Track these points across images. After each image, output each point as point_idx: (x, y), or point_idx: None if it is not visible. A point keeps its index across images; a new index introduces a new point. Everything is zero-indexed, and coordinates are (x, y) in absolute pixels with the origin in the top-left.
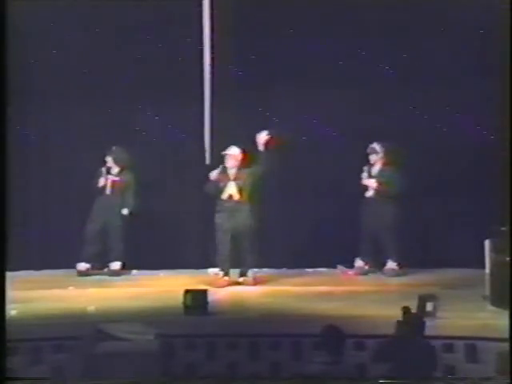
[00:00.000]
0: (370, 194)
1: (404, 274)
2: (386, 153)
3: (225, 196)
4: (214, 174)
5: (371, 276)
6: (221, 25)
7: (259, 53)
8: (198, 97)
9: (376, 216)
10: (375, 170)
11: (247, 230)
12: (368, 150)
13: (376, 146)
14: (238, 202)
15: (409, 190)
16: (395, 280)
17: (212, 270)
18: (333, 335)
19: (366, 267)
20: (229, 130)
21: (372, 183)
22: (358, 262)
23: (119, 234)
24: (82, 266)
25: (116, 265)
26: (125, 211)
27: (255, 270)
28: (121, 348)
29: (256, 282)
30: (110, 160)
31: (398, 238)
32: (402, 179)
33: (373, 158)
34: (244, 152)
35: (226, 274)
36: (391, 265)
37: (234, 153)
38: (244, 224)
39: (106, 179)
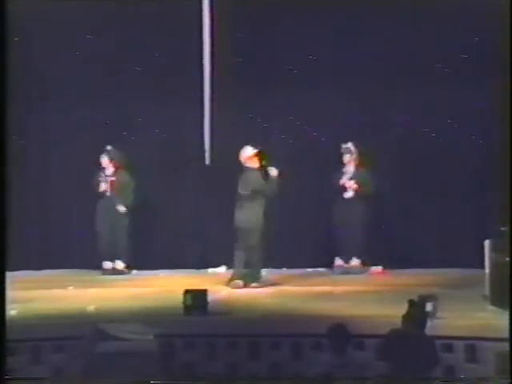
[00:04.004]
0: (348, 194)
1: (366, 271)
2: (360, 153)
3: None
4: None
5: (371, 276)
6: (221, 24)
7: (259, 53)
8: (198, 96)
9: (351, 215)
10: (350, 170)
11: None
12: (342, 150)
13: (350, 145)
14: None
15: (409, 190)
16: (396, 280)
17: (212, 270)
18: (339, 334)
19: (346, 265)
20: (229, 130)
21: (350, 184)
22: (338, 261)
23: (125, 233)
24: (108, 265)
25: (120, 264)
26: (121, 208)
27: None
28: (121, 348)
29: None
30: (105, 160)
31: (374, 236)
32: (374, 179)
33: (346, 158)
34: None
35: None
36: (355, 262)
37: (252, 153)
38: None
39: (105, 181)
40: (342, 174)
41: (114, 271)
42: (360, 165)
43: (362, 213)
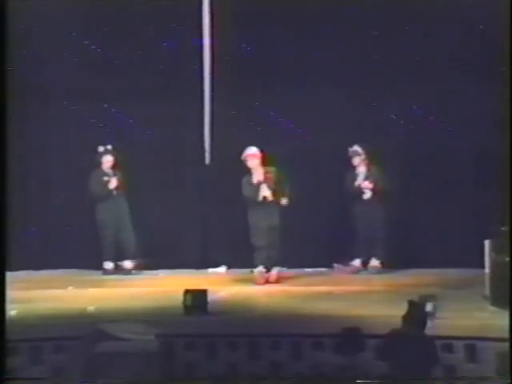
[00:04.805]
0: (366, 195)
1: (387, 272)
2: (368, 154)
3: (260, 198)
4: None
5: (371, 276)
6: (221, 24)
7: (260, 52)
8: (198, 96)
9: (371, 216)
10: (362, 171)
11: (277, 229)
12: (350, 153)
13: (357, 148)
14: (270, 202)
15: (409, 190)
16: (396, 280)
17: (212, 270)
18: (351, 336)
19: (362, 266)
20: (229, 130)
21: (368, 185)
22: (356, 262)
23: (132, 232)
24: (110, 265)
25: (129, 263)
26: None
27: (278, 268)
28: (121, 348)
29: (279, 279)
30: (107, 159)
31: (390, 237)
32: (388, 177)
33: (356, 160)
34: (262, 152)
35: (268, 270)
36: (374, 262)
37: (253, 152)
38: (274, 223)
39: (113, 180)
40: (355, 176)
41: (124, 271)
42: (370, 164)
43: (378, 212)
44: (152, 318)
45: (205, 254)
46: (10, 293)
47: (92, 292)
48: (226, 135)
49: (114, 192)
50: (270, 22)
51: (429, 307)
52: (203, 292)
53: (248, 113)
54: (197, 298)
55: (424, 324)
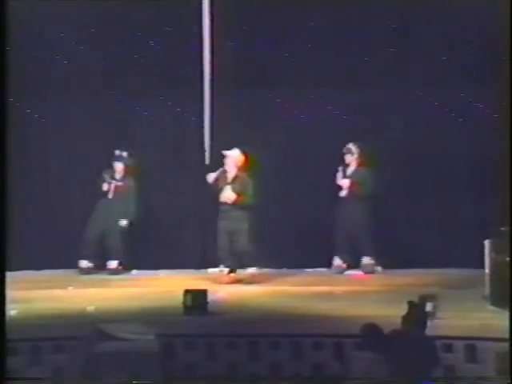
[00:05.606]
0: (343, 193)
1: (387, 272)
2: (361, 153)
3: (221, 199)
4: (211, 177)
5: (372, 276)
6: (221, 24)
7: (260, 52)
8: (198, 96)
9: (350, 215)
10: (350, 170)
11: (242, 232)
12: (344, 150)
13: (352, 146)
14: (233, 204)
15: (409, 190)
16: (396, 280)
17: (212, 270)
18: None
19: (344, 265)
20: (229, 130)
21: (345, 183)
22: (337, 261)
23: (119, 236)
24: (84, 263)
25: (113, 263)
26: (123, 222)
27: (254, 268)
28: (121, 348)
29: (254, 279)
30: (119, 166)
31: (374, 235)
32: (375, 180)
33: (348, 158)
34: (245, 154)
35: (232, 271)
36: (367, 260)
37: (232, 155)
38: (239, 226)
39: (110, 184)
40: (342, 173)
41: (110, 271)
42: (360, 164)
43: (359, 212)
44: (152, 318)
45: (205, 254)
46: (10, 293)
47: (92, 292)
48: (226, 135)
49: (110, 195)
50: (269, 22)
51: (429, 307)
52: (203, 292)
53: (248, 113)
54: (197, 298)
55: (424, 324)
